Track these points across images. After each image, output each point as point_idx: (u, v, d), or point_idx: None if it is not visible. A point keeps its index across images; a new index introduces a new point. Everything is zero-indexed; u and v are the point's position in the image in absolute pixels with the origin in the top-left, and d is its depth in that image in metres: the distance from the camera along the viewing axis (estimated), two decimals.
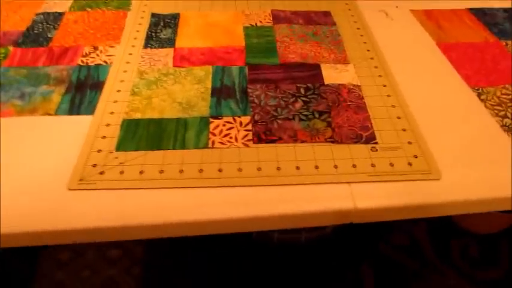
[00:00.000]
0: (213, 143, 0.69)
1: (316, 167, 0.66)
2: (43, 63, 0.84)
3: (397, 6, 1.06)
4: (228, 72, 0.83)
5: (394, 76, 0.84)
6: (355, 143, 0.70)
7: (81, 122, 0.72)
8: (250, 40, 0.92)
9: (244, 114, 0.74)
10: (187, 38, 0.92)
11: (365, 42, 0.93)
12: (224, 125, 0.72)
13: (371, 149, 0.69)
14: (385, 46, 0.92)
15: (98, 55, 0.87)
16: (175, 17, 0.98)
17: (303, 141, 0.69)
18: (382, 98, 0.79)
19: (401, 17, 1.02)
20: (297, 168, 0.65)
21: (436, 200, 0.63)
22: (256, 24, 0.97)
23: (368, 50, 0.91)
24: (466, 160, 0.68)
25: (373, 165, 0.66)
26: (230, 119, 0.73)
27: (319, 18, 1.00)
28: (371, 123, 0.73)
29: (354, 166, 0.66)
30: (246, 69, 0.84)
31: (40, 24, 0.96)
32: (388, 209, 0.62)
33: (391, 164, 0.66)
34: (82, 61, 0.85)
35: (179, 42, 0.90)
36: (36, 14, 0.99)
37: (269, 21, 0.98)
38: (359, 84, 0.81)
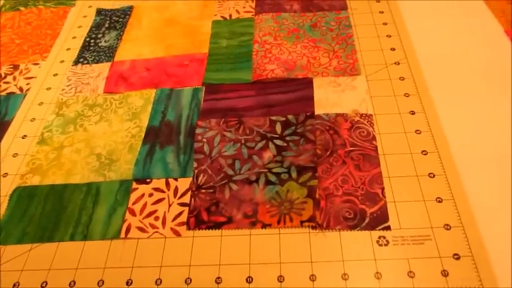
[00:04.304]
0: (128, 229, 0.45)
1: (281, 279, 0.40)
2: None
3: None
4: (175, 99, 0.57)
5: (432, 95, 0.53)
6: (352, 228, 0.42)
7: None
8: (218, 43, 0.64)
9: (184, 175, 0.49)
10: (133, 44, 0.66)
11: (389, 36, 0.61)
12: (151, 195, 0.48)
13: (377, 241, 0.41)
14: (422, 42, 0.60)
15: (15, 78, 0.65)
16: (126, 13, 0.73)
17: (264, 226, 0.43)
18: (409, 137, 0.49)
19: None
20: (249, 280, 0.40)
21: None
22: (230, 16, 0.68)
23: (393, 49, 0.59)
24: None
25: (378, 275, 0.39)
26: (162, 183, 0.48)
27: None
28: (383, 189, 0.44)
29: (345, 277, 0.39)
30: (202, 93, 0.57)
31: None
32: None
33: (411, 273, 0.39)
34: None
35: (121, 51, 0.65)
36: None
37: (250, 9, 0.69)
38: (371, 112, 0.52)
